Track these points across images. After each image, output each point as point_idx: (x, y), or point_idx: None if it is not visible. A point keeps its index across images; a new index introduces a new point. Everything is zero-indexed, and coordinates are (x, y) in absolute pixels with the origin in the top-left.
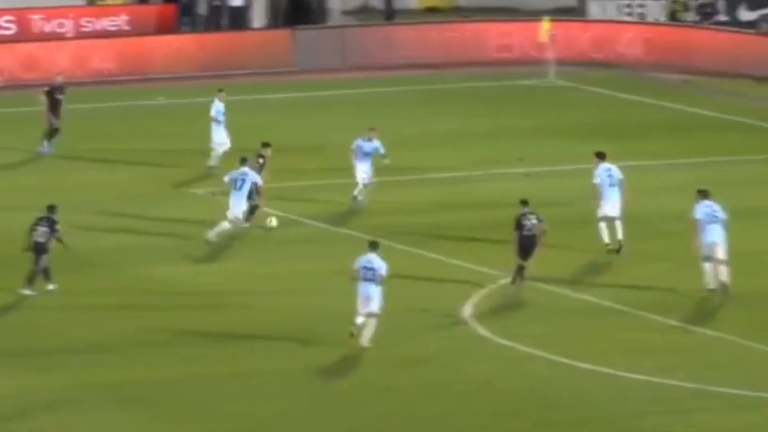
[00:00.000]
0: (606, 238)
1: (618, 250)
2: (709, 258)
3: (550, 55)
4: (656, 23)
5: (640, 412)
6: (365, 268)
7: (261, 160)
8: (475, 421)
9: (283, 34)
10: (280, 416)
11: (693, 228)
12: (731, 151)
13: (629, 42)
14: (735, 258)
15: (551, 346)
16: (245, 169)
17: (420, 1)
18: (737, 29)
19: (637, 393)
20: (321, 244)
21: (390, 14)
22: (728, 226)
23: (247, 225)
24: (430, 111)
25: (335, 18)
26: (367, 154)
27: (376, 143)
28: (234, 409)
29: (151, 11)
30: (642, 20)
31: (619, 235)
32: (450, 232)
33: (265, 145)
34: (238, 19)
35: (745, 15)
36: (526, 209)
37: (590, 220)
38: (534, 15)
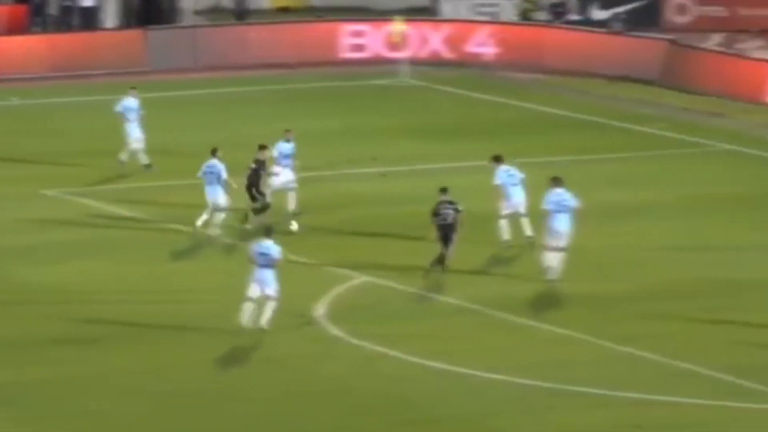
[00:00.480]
0: (506, 236)
1: (531, 244)
2: (552, 247)
3: (402, 54)
4: (508, 22)
5: (496, 411)
6: (261, 253)
7: (254, 165)
8: (330, 420)
9: (135, 34)
10: (135, 418)
11: (545, 216)
12: (583, 149)
13: (482, 41)
14: (585, 256)
15: (405, 346)
16: (213, 161)
17: (272, 0)
18: (589, 28)
19: (492, 392)
20: (177, 244)
21: (241, 14)
22: (577, 215)
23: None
24: (283, 111)
25: (187, 18)
26: (287, 157)
27: (293, 143)
28: (94, 409)
29: (2, 12)
30: (494, 19)
31: (528, 231)
32: (303, 231)
33: (262, 147)
34: (90, 20)
35: (597, 14)
36: (444, 197)
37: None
38: (387, 15)
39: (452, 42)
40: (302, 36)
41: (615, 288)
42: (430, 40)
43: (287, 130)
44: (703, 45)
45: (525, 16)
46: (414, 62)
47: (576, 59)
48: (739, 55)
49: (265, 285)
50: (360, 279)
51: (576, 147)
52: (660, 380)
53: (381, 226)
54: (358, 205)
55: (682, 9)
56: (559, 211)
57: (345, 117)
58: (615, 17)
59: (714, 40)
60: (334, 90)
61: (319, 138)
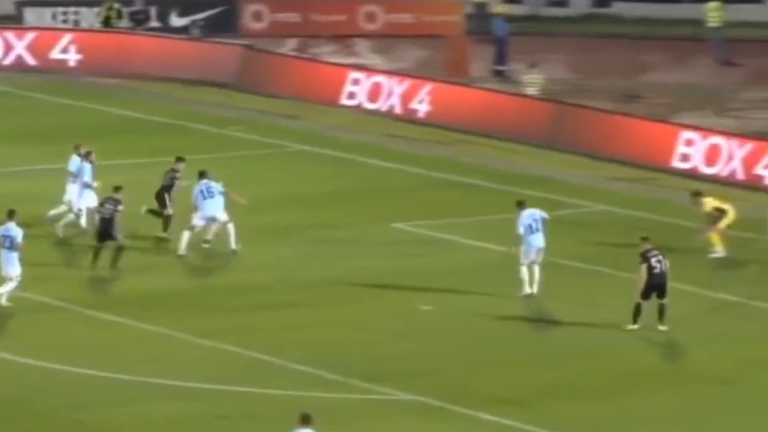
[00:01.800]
0: (183, 250)
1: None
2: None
3: None
4: (91, 29)
5: (81, 403)
6: (3, 236)
7: (175, 174)
8: None
9: None
10: None
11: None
12: (162, 151)
13: (65, 48)
14: (169, 254)
15: None
16: (74, 158)
17: None
18: (169, 35)
19: (77, 386)
20: None
21: None
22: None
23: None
24: None
25: None
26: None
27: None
28: None
29: None
30: (77, 27)
31: (233, 241)
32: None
33: (180, 159)
34: None
35: (177, 21)
36: (113, 195)
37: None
38: None
39: (36, 49)
40: None
41: (197, 283)
42: (14, 47)
43: (78, 145)
44: (278, 50)
45: (107, 24)
46: None
47: (156, 64)
48: (313, 59)
49: (8, 267)
50: None
51: (156, 149)
52: (243, 372)
53: None
54: None
55: (258, 15)
56: (208, 198)
57: None
58: (194, 24)
59: (289, 45)
60: None
61: None
